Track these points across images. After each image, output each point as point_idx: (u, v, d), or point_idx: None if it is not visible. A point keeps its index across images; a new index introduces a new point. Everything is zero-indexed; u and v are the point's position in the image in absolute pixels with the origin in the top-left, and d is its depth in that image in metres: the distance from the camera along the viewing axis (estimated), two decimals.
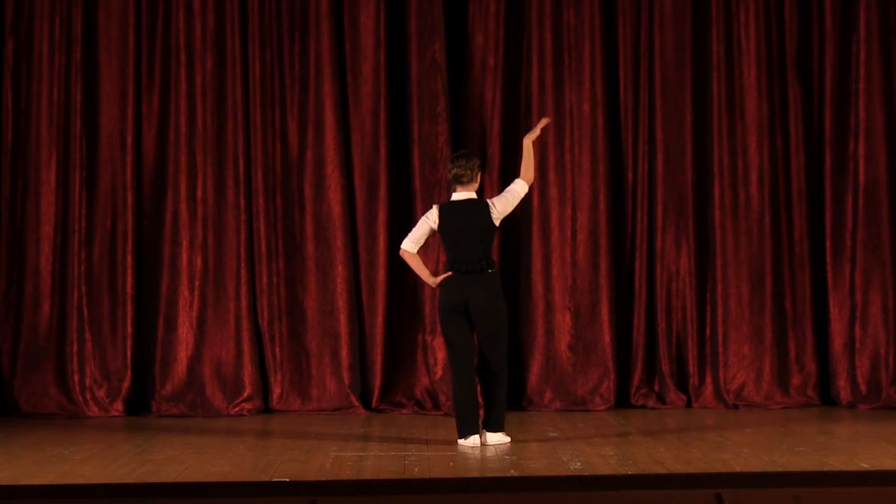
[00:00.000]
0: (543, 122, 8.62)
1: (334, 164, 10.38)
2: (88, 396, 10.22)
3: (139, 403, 10.37)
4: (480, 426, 8.33)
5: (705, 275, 10.49)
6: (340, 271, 10.36)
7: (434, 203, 9.03)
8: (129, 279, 10.31)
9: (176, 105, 10.40)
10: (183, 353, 10.32)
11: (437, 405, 10.22)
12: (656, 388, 10.44)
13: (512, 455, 7.85)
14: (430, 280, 8.38)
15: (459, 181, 8.32)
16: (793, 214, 10.47)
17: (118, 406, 10.25)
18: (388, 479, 7.01)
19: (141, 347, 10.39)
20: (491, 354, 8.30)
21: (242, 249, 10.34)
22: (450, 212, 8.32)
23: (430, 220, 8.37)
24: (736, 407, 10.28)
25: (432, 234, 8.41)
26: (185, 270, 10.33)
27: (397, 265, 9.91)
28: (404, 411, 10.27)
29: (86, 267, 10.30)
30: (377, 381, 10.38)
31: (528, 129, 8.85)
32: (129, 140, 10.35)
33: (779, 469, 7.18)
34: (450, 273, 8.27)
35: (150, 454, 8.06)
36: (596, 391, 10.32)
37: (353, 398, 10.28)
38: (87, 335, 10.27)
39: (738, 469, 7.19)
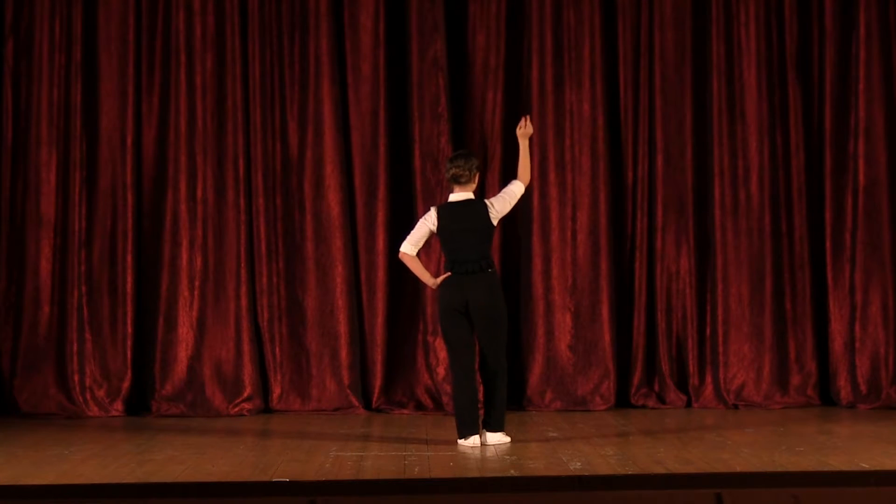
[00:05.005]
0: (524, 120, 8.56)
1: (334, 164, 10.38)
2: (88, 396, 10.22)
3: (139, 403, 10.37)
4: (480, 426, 8.33)
5: (705, 275, 10.48)
6: (340, 271, 10.36)
7: (435, 203, 9.02)
8: (129, 279, 10.30)
9: (176, 105, 10.40)
10: (183, 353, 10.32)
11: (438, 405, 10.22)
12: (656, 388, 10.44)
13: (512, 455, 7.85)
14: (430, 281, 8.38)
15: (458, 181, 8.32)
16: (793, 214, 10.47)
17: (118, 406, 10.24)
18: (388, 479, 7.01)
19: (141, 347, 10.39)
20: (491, 354, 8.30)
21: (242, 249, 10.34)
22: (448, 213, 8.32)
23: (428, 221, 8.36)
24: (736, 407, 10.28)
25: (432, 236, 8.42)
26: (185, 270, 10.33)
27: (397, 265, 9.90)
28: (405, 411, 10.26)
29: (86, 267, 10.29)
30: (377, 381, 10.37)
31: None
32: (129, 140, 10.35)
33: (779, 469, 7.18)
34: (449, 273, 8.27)
35: (150, 454, 8.06)
36: (596, 391, 10.32)
37: (353, 398, 10.27)
38: (87, 335, 10.27)
39: (738, 469, 7.19)
